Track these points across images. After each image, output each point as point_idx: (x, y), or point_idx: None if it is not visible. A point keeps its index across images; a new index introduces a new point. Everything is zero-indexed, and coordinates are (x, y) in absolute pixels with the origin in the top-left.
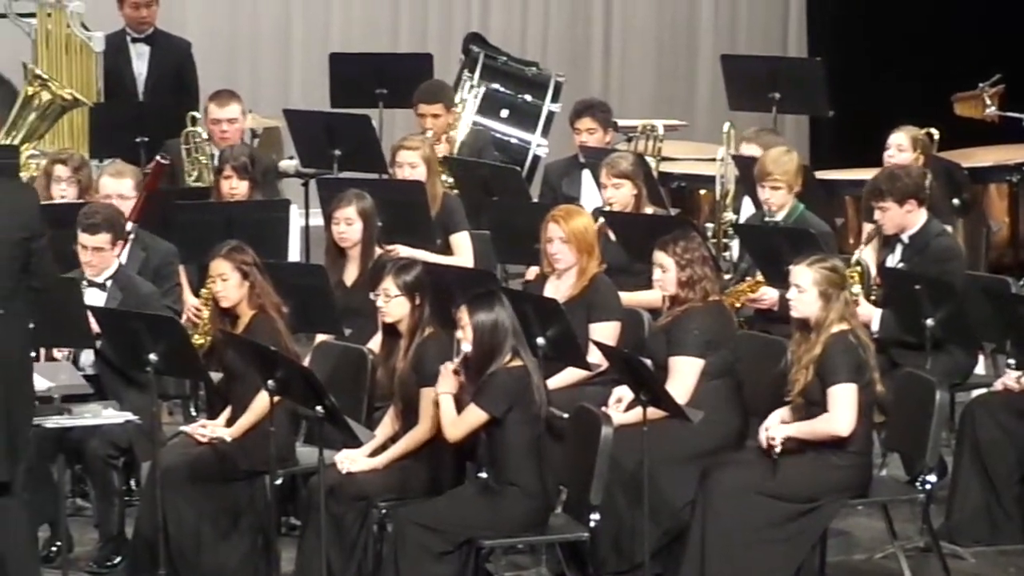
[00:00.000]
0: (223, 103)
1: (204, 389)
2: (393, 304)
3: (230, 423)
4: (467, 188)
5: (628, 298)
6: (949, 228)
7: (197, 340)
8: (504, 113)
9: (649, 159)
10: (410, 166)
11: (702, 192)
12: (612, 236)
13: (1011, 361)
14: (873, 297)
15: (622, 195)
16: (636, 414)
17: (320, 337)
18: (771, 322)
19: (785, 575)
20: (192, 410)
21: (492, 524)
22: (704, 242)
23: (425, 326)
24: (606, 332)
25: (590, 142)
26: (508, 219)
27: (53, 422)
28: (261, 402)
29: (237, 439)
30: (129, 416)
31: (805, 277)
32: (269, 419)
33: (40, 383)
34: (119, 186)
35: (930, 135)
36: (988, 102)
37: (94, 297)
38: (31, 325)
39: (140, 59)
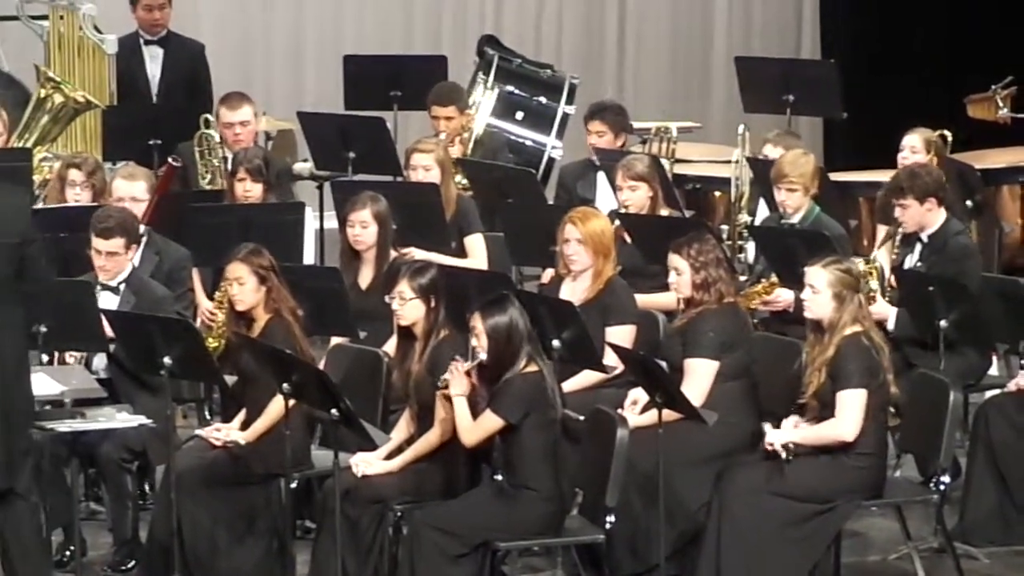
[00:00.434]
0: (234, 106)
1: (218, 392)
2: (408, 307)
3: (244, 426)
4: (481, 190)
5: (643, 300)
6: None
7: (211, 343)
8: (519, 115)
9: (663, 161)
10: (424, 169)
11: (717, 194)
12: (628, 238)
13: None
14: (888, 297)
15: (638, 197)
16: (651, 416)
17: (335, 340)
18: (786, 324)
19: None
20: (206, 413)
21: (508, 527)
22: (719, 244)
23: (440, 329)
24: (622, 336)
25: (600, 144)
26: (523, 221)
27: (66, 426)
28: (276, 405)
29: (252, 442)
30: (143, 420)
31: (820, 278)
32: (284, 422)
33: (52, 387)
34: (132, 189)
35: (943, 137)
36: (1001, 104)
37: (107, 301)
38: (39, 328)
39: (153, 61)
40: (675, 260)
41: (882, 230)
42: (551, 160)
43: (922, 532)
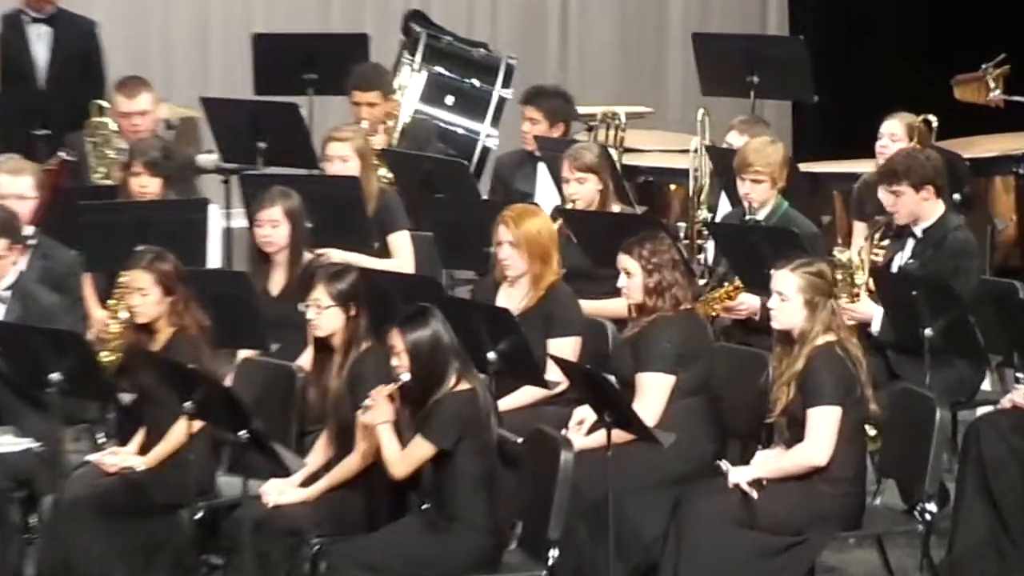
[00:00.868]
0: (131, 93)
1: (114, 412)
2: (325, 315)
3: (143, 450)
4: (408, 184)
5: (590, 307)
6: None
7: (106, 357)
8: (449, 100)
9: (611, 151)
10: (341, 160)
11: (672, 187)
12: (573, 238)
13: (1020, 375)
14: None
15: (586, 191)
16: (600, 437)
17: (244, 353)
18: (750, 333)
19: None
20: (100, 436)
21: (438, 562)
22: (675, 244)
23: (361, 340)
24: (565, 348)
25: (534, 133)
26: (454, 219)
27: None
28: (178, 427)
29: (151, 468)
30: (29, 443)
31: (789, 284)
32: (188, 446)
33: None
34: (16, 185)
35: (927, 122)
36: (992, 85)
37: None
38: None
39: (40, 41)
40: (625, 261)
41: (858, 227)
42: (486, 150)
43: (906, 566)
